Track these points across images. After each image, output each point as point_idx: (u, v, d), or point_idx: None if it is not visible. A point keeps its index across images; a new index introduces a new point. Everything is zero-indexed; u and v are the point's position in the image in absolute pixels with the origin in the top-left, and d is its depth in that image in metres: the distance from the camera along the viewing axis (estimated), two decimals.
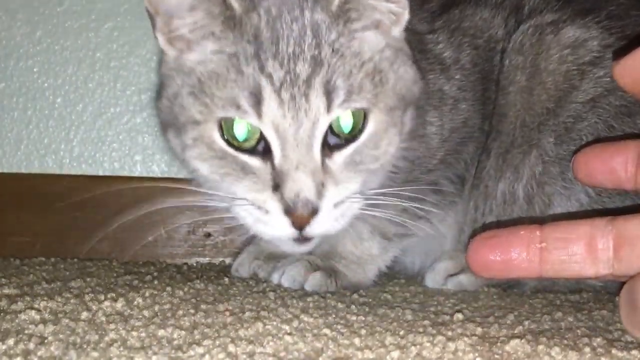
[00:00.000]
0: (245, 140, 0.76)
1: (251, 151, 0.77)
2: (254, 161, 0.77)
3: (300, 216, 0.75)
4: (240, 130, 0.76)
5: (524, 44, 0.96)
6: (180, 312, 0.73)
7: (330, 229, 0.78)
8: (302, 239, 0.78)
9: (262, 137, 0.76)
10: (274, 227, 0.77)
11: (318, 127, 0.75)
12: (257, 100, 0.74)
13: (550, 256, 0.58)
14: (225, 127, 0.76)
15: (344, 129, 0.76)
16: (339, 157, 0.77)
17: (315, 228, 0.76)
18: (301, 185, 0.74)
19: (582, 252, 0.57)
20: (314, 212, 0.75)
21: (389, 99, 0.79)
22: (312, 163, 0.75)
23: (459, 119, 0.94)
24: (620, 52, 0.59)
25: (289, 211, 0.75)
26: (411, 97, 0.82)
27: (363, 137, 0.78)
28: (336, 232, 0.80)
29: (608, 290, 0.95)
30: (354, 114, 0.76)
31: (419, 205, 0.91)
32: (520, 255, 0.58)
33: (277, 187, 0.75)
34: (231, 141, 0.76)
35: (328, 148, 0.77)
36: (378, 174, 0.83)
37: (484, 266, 0.59)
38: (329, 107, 0.74)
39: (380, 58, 0.79)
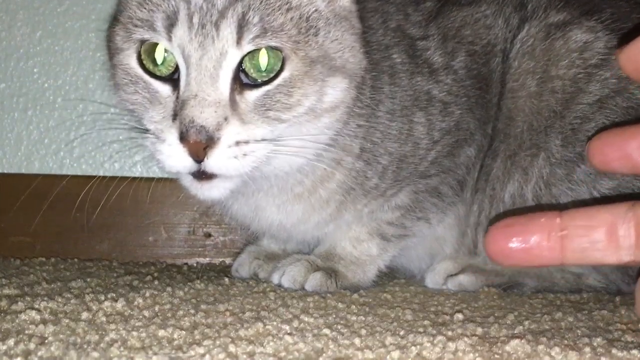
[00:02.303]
0: (163, 64, 0.77)
1: (165, 79, 0.77)
2: (164, 88, 0.77)
3: (194, 143, 0.73)
4: (159, 55, 0.77)
5: (534, 48, 0.96)
6: (181, 312, 0.73)
7: (230, 167, 0.75)
8: (202, 176, 0.76)
9: (177, 67, 0.76)
10: (170, 156, 0.76)
11: (226, 59, 0.75)
12: (171, 23, 0.75)
13: (572, 244, 0.56)
14: (146, 53, 0.78)
15: (261, 67, 0.76)
16: (250, 96, 0.76)
17: (213, 162, 0.74)
18: (196, 112, 0.73)
19: (603, 240, 0.55)
20: (210, 141, 0.73)
21: (313, 51, 0.78)
22: (217, 94, 0.74)
23: (451, 122, 0.94)
24: (625, 40, 0.58)
25: (183, 137, 0.73)
26: (342, 64, 0.81)
27: (277, 81, 0.77)
28: (237, 174, 0.77)
29: (608, 291, 0.95)
30: (270, 55, 0.76)
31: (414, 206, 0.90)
32: (541, 242, 0.57)
33: (176, 116, 0.75)
34: (150, 68, 0.78)
35: (240, 86, 0.76)
36: (298, 132, 0.79)
37: (502, 254, 0.58)
38: (238, 40, 0.75)
39: (316, 13, 0.79)
